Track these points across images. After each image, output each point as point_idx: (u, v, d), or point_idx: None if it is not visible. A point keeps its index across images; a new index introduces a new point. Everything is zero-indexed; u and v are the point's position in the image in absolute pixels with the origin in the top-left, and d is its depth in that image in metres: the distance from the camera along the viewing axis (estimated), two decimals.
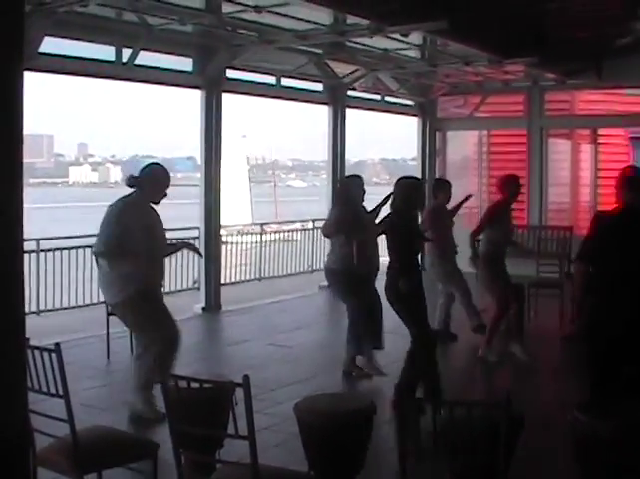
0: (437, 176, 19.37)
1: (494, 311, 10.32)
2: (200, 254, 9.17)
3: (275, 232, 21.70)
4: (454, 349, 11.27)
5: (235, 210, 35.22)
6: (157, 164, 8.07)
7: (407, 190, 8.35)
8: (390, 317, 8.60)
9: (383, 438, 7.05)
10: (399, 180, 8.55)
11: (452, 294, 11.44)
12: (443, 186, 11.73)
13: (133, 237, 7.49)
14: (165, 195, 7.81)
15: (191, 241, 9.56)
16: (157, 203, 7.82)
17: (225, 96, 13.77)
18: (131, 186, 7.72)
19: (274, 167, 79.08)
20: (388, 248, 8.26)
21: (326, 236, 10.15)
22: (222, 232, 22.95)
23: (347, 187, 9.94)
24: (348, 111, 16.87)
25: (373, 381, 9.33)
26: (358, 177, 10.13)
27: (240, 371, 4.40)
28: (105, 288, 7.97)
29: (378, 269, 9.55)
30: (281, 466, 5.04)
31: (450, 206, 11.73)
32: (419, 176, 18.21)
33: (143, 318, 7.79)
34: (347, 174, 13.73)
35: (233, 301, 14.50)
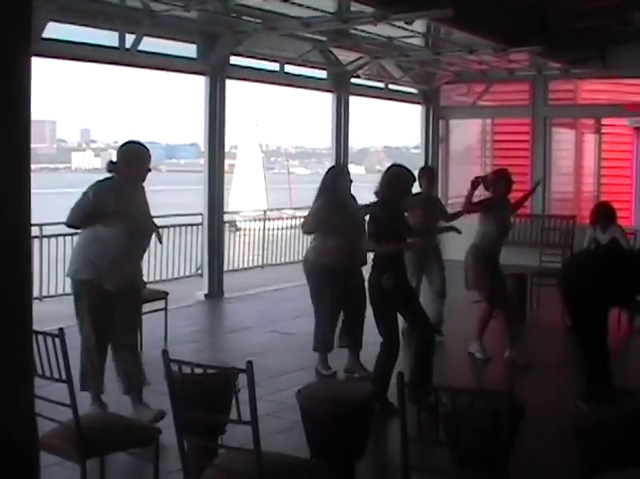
0: (440, 164, 19.40)
1: (483, 308, 10.25)
2: (160, 241, 8.70)
3: (292, 218, 21.70)
4: (445, 341, 11.26)
5: (251, 196, 35.35)
6: (131, 142, 7.78)
7: (393, 179, 8.14)
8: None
9: (384, 424, 7.08)
10: (389, 168, 8.39)
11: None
12: (425, 173, 11.36)
13: (106, 218, 7.27)
14: (149, 171, 7.54)
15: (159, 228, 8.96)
16: (143, 180, 7.56)
17: (238, 84, 13.73)
18: (111, 171, 7.51)
19: (283, 154, 78.88)
20: (372, 238, 8.02)
21: (306, 233, 9.90)
22: (238, 218, 23.15)
23: (332, 177, 9.42)
24: (352, 99, 16.87)
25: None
26: (344, 168, 9.99)
27: (242, 358, 4.41)
28: (71, 260, 7.74)
29: (364, 264, 9.26)
30: (283, 452, 5.06)
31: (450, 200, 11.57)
32: (422, 164, 18.20)
33: (79, 311, 7.55)
34: (347, 162, 13.60)
35: (236, 288, 14.51)
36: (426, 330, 8.17)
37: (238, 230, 22.10)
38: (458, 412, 4.18)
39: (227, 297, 13.94)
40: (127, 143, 7.68)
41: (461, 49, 15.01)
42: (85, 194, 7.39)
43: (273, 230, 20.57)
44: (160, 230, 8.45)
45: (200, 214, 14.32)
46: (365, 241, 8.11)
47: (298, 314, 12.33)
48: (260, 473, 4.30)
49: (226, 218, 18.67)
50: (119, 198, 7.34)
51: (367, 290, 8.17)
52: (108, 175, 7.55)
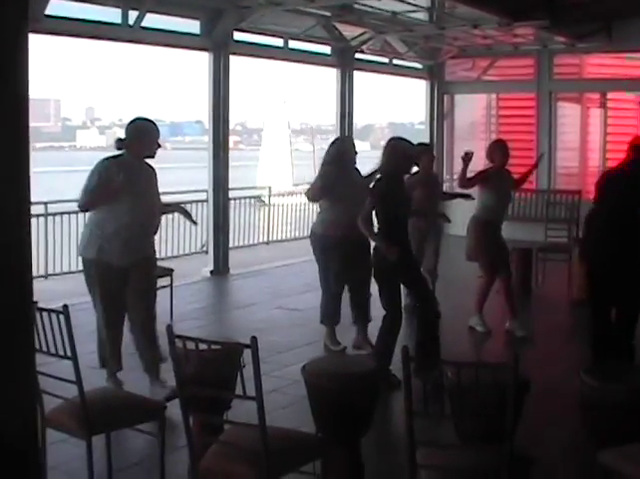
0: (445, 140, 19.35)
1: (482, 280, 10.26)
2: (194, 222, 8.73)
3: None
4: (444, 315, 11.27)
5: (278, 172, 35.81)
6: (139, 118, 7.79)
7: (393, 152, 8.11)
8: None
9: (390, 399, 7.09)
10: (389, 141, 8.33)
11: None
12: (424, 151, 11.27)
13: (116, 195, 7.28)
14: (159, 146, 7.56)
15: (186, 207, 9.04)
16: (152, 157, 7.60)
17: (261, 62, 13.63)
18: (120, 149, 7.51)
19: (309, 132, 78.70)
20: (375, 215, 8.04)
21: (311, 200, 9.88)
22: (264, 193, 23.38)
23: (337, 148, 9.36)
24: (356, 74, 16.82)
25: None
26: (349, 138, 9.93)
27: (248, 334, 4.41)
28: (81, 240, 7.77)
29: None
30: (289, 428, 5.07)
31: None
32: (427, 139, 18.17)
33: (92, 292, 7.62)
34: (353, 138, 13.48)
35: (240, 264, 14.53)
36: (431, 309, 8.20)
37: (265, 205, 22.31)
38: (463, 386, 4.18)
39: (233, 274, 13.94)
40: (135, 119, 7.66)
41: (465, 23, 14.94)
42: (93, 173, 7.40)
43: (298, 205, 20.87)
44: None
45: (205, 190, 14.31)
46: (362, 223, 8.00)
47: (304, 290, 12.35)
48: (266, 448, 4.32)
49: (254, 193, 18.96)
50: (128, 174, 7.34)
51: (371, 262, 8.15)
52: (116, 152, 7.55)
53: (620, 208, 7.84)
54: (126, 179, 7.30)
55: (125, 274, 7.47)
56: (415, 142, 8.97)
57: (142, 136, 7.51)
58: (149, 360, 7.60)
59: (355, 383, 5.30)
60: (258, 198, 22.34)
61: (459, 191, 11.33)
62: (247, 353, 4.39)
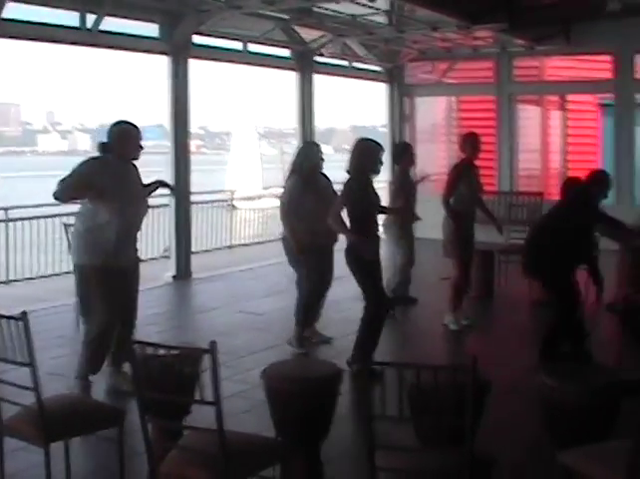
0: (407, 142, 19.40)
1: (454, 276, 10.34)
2: (173, 189, 8.84)
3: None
4: (417, 313, 11.36)
5: (247, 177, 35.92)
6: (122, 121, 7.85)
7: (362, 152, 8.25)
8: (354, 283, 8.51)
9: (347, 403, 7.09)
10: (356, 142, 8.47)
11: (411, 258, 11.37)
12: (406, 150, 11.64)
13: (99, 198, 7.35)
14: (141, 148, 7.65)
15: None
16: (136, 159, 7.69)
17: (221, 66, 13.63)
18: (102, 152, 7.59)
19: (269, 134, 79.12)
20: (347, 214, 8.17)
21: (283, 216, 9.50)
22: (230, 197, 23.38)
23: (306, 153, 9.49)
24: (316, 77, 16.82)
25: (335, 347, 9.37)
26: (315, 144, 10.00)
27: (209, 338, 4.38)
28: (72, 247, 7.87)
29: (336, 241, 9.30)
30: (249, 432, 5.05)
31: (416, 172, 11.70)
32: (389, 143, 18.21)
33: (91, 296, 7.63)
34: (312, 141, 13.56)
35: (203, 269, 14.48)
36: (384, 306, 8.39)
37: (236, 209, 22.34)
38: (422, 388, 4.18)
39: (195, 278, 13.89)
40: (118, 122, 7.75)
41: (424, 26, 15.00)
42: (75, 169, 7.47)
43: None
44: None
45: (167, 195, 14.24)
46: (333, 221, 8.11)
47: (266, 294, 12.34)
48: (224, 453, 4.30)
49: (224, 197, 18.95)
50: (113, 176, 7.42)
51: (345, 259, 8.22)
52: (97, 154, 7.63)
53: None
54: (113, 182, 7.38)
55: (124, 275, 7.57)
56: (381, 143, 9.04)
57: (125, 139, 7.60)
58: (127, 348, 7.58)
59: (314, 387, 5.30)
60: (227, 202, 22.35)
61: (416, 179, 11.70)
62: (208, 358, 4.37)
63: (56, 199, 7.65)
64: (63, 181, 7.40)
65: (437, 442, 4.71)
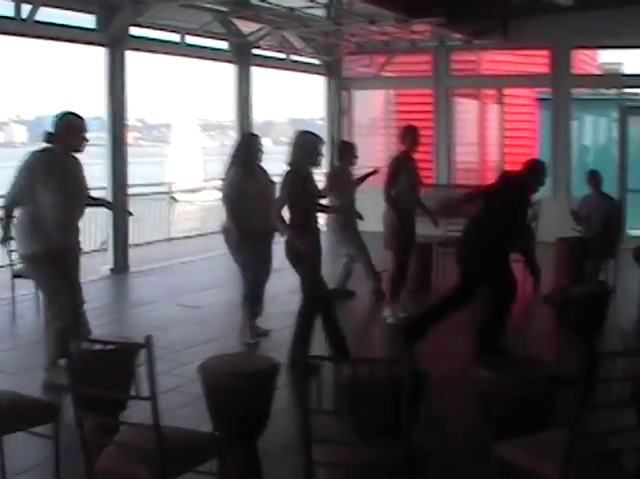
0: (344, 135, 19.41)
1: (391, 269, 10.38)
2: (111, 208, 8.90)
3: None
4: (356, 307, 11.39)
5: (187, 169, 35.82)
6: (69, 113, 7.85)
7: (302, 145, 8.26)
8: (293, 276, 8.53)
9: (285, 397, 7.09)
10: (296, 134, 8.48)
11: (354, 255, 11.45)
12: (348, 148, 11.68)
13: (44, 189, 7.37)
14: (86, 141, 7.65)
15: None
16: (80, 151, 7.68)
17: (159, 58, 13.51)
18: (48, 142, 7.58)
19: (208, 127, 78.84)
20: (287, 207, 8.19)
21: (227, 205, 9.53)
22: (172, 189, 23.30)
23: (245, 145, 9.53)
24: (255, 70, 16.77)
25: (274, 340, 9.37)
26: (255, 136, 10.00)
27: (146, 332, 4.35)
28: (17, 239, 7.86)
29: (275, 231, 9.38)
30: (187, 427, 5.02)
31: (356, 170, 11.72)
32: (327, 135, 18.23)
33: (45, 280, 7.71)
34: (251, 133, 13.53)
35: (142, 262, 14.39)
36: (321, 300, 8.37)
37: (177, 201, 22.26)
38: (359, 382, 4.19)
39: (133, 272, 13.81)
40: (64, 114, 7.74)
41: (362, 20, 15.02)
42: (21, 170, 7.50)
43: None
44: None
45: (104, 187, 14.10)
46: (275, 217, 8.13)
47: (205, 287, 12.29)
48: (160, 448, 4.27)
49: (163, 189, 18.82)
50: (56, 168, 7.47)
51: (285, 251, 8.26)
52: (43, 146, 7.62)
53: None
54: (58, 173, 7.44)
55: (65, 263, 7.64)
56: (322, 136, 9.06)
57: (71, 130, 7.61)
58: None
59: (251, 381, 5.28)
60: (167, 194, 22.24)
61: (363, 174, 11.65)
62: (147, 353, 4.33)
63: (10, 207, 7.65)
64: (11, 188, 7.52)
65: (374, 435, 4.73)
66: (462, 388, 7.31)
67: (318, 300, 8.32)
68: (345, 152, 11.53)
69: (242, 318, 9.50)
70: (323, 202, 9.31)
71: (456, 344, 9.23)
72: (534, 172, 8.76)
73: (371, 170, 11.67)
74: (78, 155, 7.74)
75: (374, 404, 4.64)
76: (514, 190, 8.55)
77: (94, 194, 8.58)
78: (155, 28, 14.18)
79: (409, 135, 10.48)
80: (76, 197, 7.68)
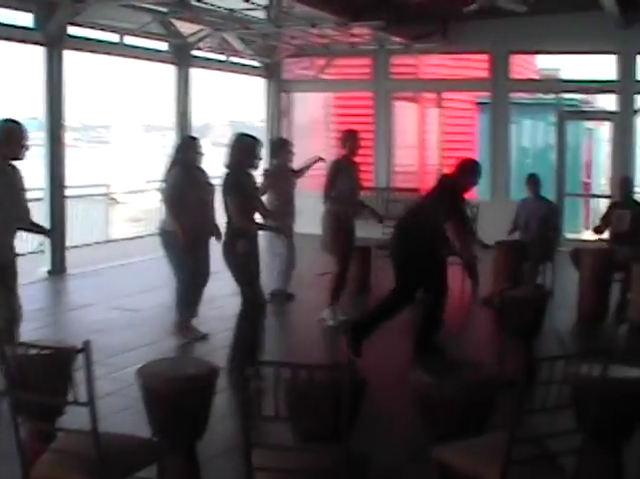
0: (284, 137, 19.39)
1: (334, 272, 10.38)
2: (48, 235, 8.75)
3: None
4: (295, 311, 11.38)
5: (128, 170, 35.65)
6: (8, 120, 7.71)
7: (240, 147, 8.18)
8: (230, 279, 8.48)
9: (226, 401, 7.05)
10: (234, 137, 8.39)
11: (292, 262, 11.38)
12: (283, 145, 11.64)
13: None
14: (27, 149, 7.49)
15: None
16: (20, 159, 7.51)
17: (98, 58, 13.42)
18: None
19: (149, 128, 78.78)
20: (225, 209, 8.11)
21: (167, 206, 9.58)
22: (111, 190, 23.11)
23: (184, 147, 9.56)
24: (194, 71, 16.70)
25: (212, 344, 9.34)
26: (194, 138, 9.97)
27: (84, 336, 4.30)
28: None
29: (212, 234, 9.34)
30: (125, 432, 4.96)
31: (297, 166, 11.70)
32: (266, 138, 18.20)
33: None
34: (191, 135, 13.49)
35: (80, 264, 14.23)
36: (262, 307, 8.30)
37: (117, 203, 22.10)
38: (298, 387, 4.17)
39: (70, 274, 13.65)
40: (3, 121, 7.58)
41: (303, 22, 15.02)
42: None
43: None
44: None
45: (41, 188, 13.94)
46: (237, 217, 8.03)
47: (143, 290, 12.21)
48: (99, 455, 4.21)
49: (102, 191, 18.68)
50: None
51: (222, 253, 8.20)
52: None
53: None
54: None
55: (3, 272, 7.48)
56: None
57: (11, 138, 7.44)
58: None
59: (190, 386, 5.23)
60: (107, 195, 22.03)
61: (307, 163, 11.70)
62: (85, 357, 4.28)
63: None
64: None
65: (313, 440, 4.71)
66: (401, 391, 7.33)
67: (258, 305, 8.26)
68: (279, 148, 11.48)
69: (175, 320, 9.50)
70: (262, 200, 9.26)
71: (395, 347, 9.25)
72: (464, 172, 8.83)
73: (313, 159, 11.63)
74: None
75: (313, 409, 4.63)
76: (445, 191, 8.64)
77: (30, 195, 8.46)
78: (94, 28, 14.05)
79: (349, 139, 10.47)
80: (13, 208, 7.49)
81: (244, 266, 8.07)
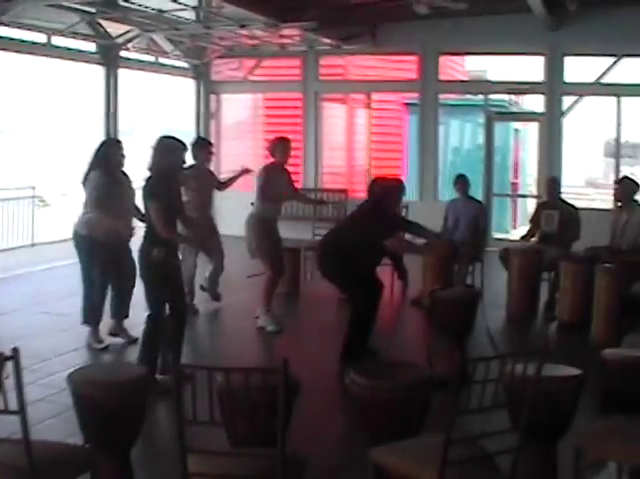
0: (212, 139, 19.30)
1: (266, 278, 10.33)
2: None
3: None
4: (224, 313, 11.34)
5: (56, 172, 35.16)
6: None
7: (164, 150, 7.86)
8: None
9: (160, 406, 6.99)
10: (158, 140, 8.04)
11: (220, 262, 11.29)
12: (201, 145, 11.35)
13: None
14: None
15: None
16: None
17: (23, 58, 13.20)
18: None
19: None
20: (145, 214, 7.86)
21: (94, 207, 9.35)
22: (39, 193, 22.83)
23: (105, 150, 9.38)
24: (122, 73, 16.53)
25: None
26: (117, 141, 9.86)
27: (11, 342, 4.22)
28: None
29: (132, 236, 9.28)
30: (56, 439, 4.89)
31: (223, 174, 11.62)
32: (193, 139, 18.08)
33: None
34: (114, 137, 13.36)
35: (4, 269, 14.02)
36: (183, 312, 8.13)
37: (47, 204, 21.84)
38: (232, 391, 4.14)
39: None
40: None
41: (232, 23, 14.96)
42: None
43: None
44: None
45: None
46: (157, 224, 7.77)
47: (69, 294, 12.02)
48: (30, 464, 4.13)
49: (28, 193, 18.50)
50: None
51: (137, 262, 8.01)
52: None
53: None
54: None
55: None
56: (185, 140, 8.87)
57: None
58: None
59: (123, 391, 5.17)
60: (33, 197, 21.68)
61: (235, 174, 11.56)
62: (10, 364, 4.19)
63: None
64: None
65: (249, 445, 4.68)
66: (336, 393, 7.33)
67: (162, 318, 7.87)
68: (198, 149, 11.16)
69: (90, 328, 9.44)
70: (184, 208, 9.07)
71: (327, 349, 9.24)
72: (390, 195, 8.87)
73: (241, 169, 11.47)
74: None
75: (248, 413, 4.60)
76: (370, 206, 8.82)
77: None
78: (21, 28, 13.81)
79: (279, 147, 10.38)
80: None
81: (157, 278, 7.72)
